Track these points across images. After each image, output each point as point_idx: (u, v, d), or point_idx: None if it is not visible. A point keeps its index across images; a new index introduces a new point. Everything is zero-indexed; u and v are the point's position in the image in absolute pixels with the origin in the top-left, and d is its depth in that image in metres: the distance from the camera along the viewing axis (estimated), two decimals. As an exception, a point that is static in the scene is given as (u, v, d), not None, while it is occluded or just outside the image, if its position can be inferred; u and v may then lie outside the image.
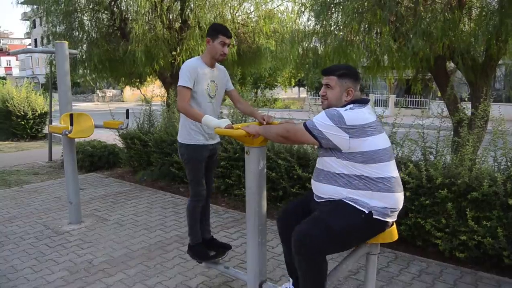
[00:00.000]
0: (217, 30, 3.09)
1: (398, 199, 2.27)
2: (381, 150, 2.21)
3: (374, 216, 2.20)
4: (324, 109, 2.36)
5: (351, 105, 2.27)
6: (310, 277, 2.24)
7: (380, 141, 2.22)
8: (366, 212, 2.20)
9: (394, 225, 2.38)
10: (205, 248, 3.40)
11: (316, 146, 2.41)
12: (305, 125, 2.26)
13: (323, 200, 2.35)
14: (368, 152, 2.17)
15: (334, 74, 2.36)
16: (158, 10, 7.71)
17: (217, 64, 3.29)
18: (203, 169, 3.29)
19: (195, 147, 3.20)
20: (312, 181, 2.45)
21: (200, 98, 3.11)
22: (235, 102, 3.41)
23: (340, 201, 2.26)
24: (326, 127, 2.18)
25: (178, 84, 3.04)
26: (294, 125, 2.36)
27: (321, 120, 2.21)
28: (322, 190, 2.35)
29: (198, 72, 3.07)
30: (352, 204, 2.22)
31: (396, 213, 2.31)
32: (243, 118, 5.47)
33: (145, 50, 7.57)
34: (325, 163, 2.31)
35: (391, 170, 2.25)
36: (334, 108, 2.26)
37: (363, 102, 2.32)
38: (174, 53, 7.99)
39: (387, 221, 2.26)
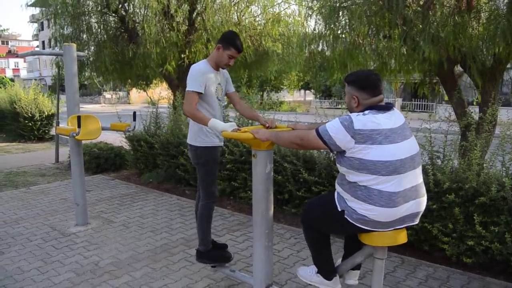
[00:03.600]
0: (232, 42, 3.05)
1: (385, 213, 2.17)
2: (382, 162, 2.12)
3: (345, 216, 2.28)
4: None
5: (366, 111, 2.24)
6: (310, 242, 2.61)
7: (386, 152, 2.13)
8: (339, 209, 2.32)
9: (404, 229, 2.33)
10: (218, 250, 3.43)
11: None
12: (317, 131, 2.26)
13: None
14: (365, 161, 2.13)
15: (346, 80, 2.41)
16: (171, 12, 7.74)
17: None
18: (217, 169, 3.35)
19: (212, 149, 3.22)
20: None
21: (211, 101, 3.14)
22: (235, 104, 3.42)
23: (332, 191, 2.47)
24: (335, 131, 2.18)
25: (188, 89, 3.02)
26: (307, 133, 2.35)
27: (332, 125, 2.22)
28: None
29: (208, 76, 3.08)
30: (334, 196, 2.40)
31: (384, 225, 2.22)
32: (249, 122, 5.46)
33: (160, 52, 7.63)
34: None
35: (389, 184, 2.14)
36: (349, 114, 2.28)
37: (381, 108, 2.25)
38: (183, 55, 8.02)
39: (360, 227, 2.25)
